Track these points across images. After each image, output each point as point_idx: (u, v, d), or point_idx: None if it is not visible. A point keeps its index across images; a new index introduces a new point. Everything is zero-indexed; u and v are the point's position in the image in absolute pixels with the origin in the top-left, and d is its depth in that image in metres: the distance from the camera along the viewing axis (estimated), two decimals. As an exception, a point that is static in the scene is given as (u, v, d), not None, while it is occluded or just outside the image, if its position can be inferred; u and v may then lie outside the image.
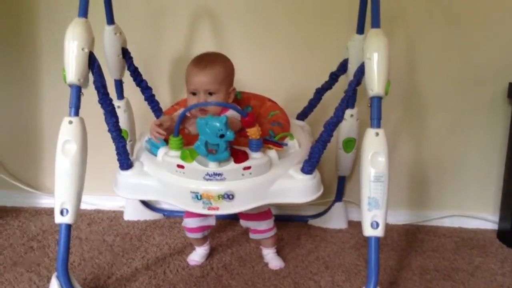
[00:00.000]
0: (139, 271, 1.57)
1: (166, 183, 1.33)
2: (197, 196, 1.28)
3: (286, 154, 1.40)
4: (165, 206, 2.03)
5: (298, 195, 1.36)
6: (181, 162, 1.28)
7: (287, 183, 1.34)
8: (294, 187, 1.35)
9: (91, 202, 1.99)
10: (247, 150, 1.31)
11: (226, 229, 1.85)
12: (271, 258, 1.63)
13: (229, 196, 1.28)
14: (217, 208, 1.29)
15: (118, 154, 1.37)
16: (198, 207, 1.30)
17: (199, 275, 1.55)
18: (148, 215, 1.95)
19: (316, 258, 1.67)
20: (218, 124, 1.20)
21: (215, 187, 1.28)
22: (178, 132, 1.31)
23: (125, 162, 1.38)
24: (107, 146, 1.78)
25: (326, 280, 1.54)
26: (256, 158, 1.30)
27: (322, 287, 1.51)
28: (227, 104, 1.40)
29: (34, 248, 1.69)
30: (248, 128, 1.29)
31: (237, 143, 1.31)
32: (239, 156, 1.28)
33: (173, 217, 1.96)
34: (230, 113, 1.39)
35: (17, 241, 1.74)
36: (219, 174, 1.27)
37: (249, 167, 1.28)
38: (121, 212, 1.97)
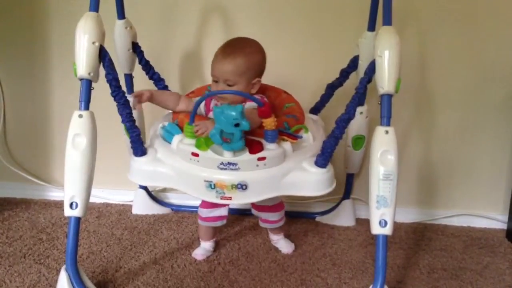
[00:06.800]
0: (146, 265, 1.57)
1: (179, 171, 1.33)
2: (211, 185, 1.29)
3: (300, 147, 1.40)
4: (173, 200, 2.04)
5: (311, 188, 1.36)
6: (196, 150, 1.28)
7: (300, 175, 1.34)
8: (307, 180, 1.34)
9: (100, 195, 2.00)
10: (262, 140, 1.31)
11: (234, 224, 1.85)
12: (282, 245, 1.68)
13: (242, 186, 1.28)
14: (230, 198, 1.30)
15: (132, 142, 1.38)
16: (211, 196, 1.31)
17: (206, 270, 1.55)
18: (156, 209, 1.96)
19: (323, 255, 1.67)
20: (233, 113, 1.20)
21: (229, 177, 1.28)
22: (193, 120, 1.31)
23: (139, 149, 1.38)
24: (116, 140, 1.82)
25: (333, 277, 1.54)
26: (271, 149, 1.31)
27: (329, 284, 1.51)
28: (241, 93, 1.37)
29: (43, 240, 1.71)
30: (264, 118, 1.29)
31: (253, 134, 1.31)
32: (254, 147, 1.28)
33: (181, 212, 1.97)
34: (251, 105, 1.38)
35: (26, 233, 1.76)
36: (234, 164, 1.27)
37: (263, 158, 1.28)
38: (130, 206, 1.98)
